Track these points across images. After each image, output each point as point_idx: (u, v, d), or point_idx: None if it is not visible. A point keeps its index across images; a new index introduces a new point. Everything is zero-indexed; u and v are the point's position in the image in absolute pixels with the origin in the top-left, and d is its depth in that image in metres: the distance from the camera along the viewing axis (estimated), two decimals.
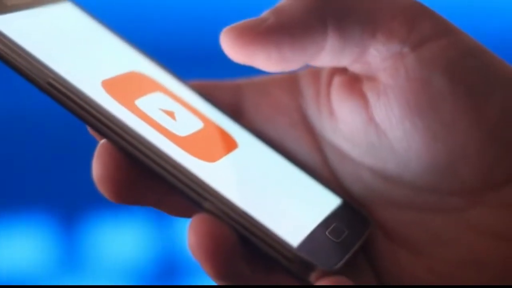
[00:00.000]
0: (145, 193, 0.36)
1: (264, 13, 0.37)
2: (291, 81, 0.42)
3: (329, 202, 0.39)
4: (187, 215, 0.36)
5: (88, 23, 0.42)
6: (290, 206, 0.38)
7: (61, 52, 0.37)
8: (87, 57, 0.39)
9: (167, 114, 0.38)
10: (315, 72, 0.42)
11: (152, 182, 0.35)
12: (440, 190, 0.38)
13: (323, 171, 0.41)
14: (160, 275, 0.99)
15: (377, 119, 0.38)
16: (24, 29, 0.37)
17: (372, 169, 0.39)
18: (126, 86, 0.39)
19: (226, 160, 0.38)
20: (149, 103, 0.38)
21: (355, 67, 0.38)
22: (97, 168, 0.35)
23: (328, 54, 0.37)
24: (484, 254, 0.37)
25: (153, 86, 0.41)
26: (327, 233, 0.37)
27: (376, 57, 0.37)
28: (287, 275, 0.35)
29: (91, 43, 0.41)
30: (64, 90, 0.35)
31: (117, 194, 0.35)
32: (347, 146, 0.40)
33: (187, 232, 0.34)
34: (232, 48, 0.37)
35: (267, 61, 0.37)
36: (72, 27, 0.41)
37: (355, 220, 0.38)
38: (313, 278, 0.34)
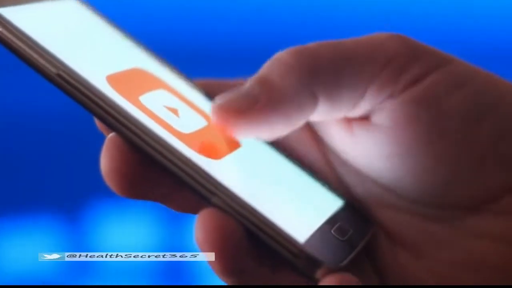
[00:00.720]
0: (153, 188, 0.36)
1: (253, 86, 0.37)
2: None
3: (333, 202, 0.39)
4: (193, 211, 0.36)
5: (93, 18, 0.42)
6: (295, 204, 0.38)
7: (68, 45, 0.37)
8: (92, 52, 0.39)
9: (171, 111, 0.39)
10: None
11: (159, 177, 0.35)
12: (435, 205, 0.39)
13: (326, 172, 0.41)
14: (166, 271, 0.99)
15: (365, 152, 0.39)
16: (33, 21, 0.37)
17: (372, 178, 0.40)
18: (130, 82, 0.39)
19: (230, 158, 0.38)
20: (153, 99, 0.39)
21: (349, 115, 0.39)
22: (105, 161, 0.35)
23: (319, 115, 0.38)
24: (483, 256, 0.37)
25: (157, 83, 0.41)
26: (332, 231, 0.37)
27: (368, 105, 0.38)
28: (293, 271, 0.35)
29: (96, 38, 0.41)
30: (74, 82, 0.35)
31: (125, 188, 0.35)
32: (347, 155, 0.40)
33: (194, 227, 0.34)
34: (225, 127, 0.36)
35: (259, 135, 0.37)
36: (78, 22, 0.41)
37: (359, 221, 0.39)
38: (319, 275, 0.34)
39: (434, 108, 0.37)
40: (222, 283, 0.35)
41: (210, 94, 0.42)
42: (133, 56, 0.42)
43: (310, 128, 0.41)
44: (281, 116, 0.36)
